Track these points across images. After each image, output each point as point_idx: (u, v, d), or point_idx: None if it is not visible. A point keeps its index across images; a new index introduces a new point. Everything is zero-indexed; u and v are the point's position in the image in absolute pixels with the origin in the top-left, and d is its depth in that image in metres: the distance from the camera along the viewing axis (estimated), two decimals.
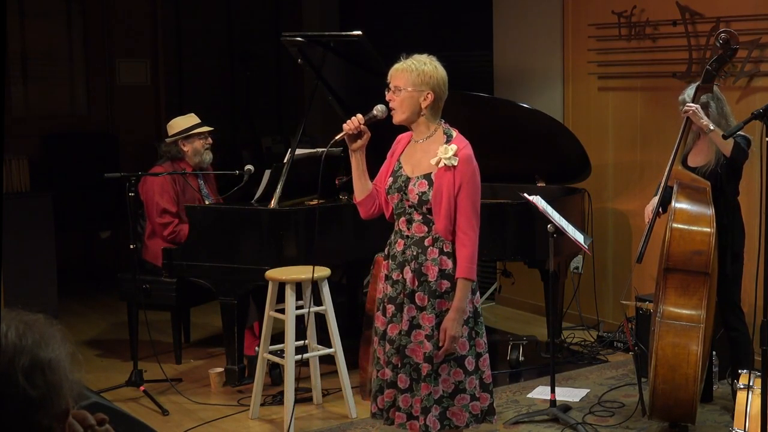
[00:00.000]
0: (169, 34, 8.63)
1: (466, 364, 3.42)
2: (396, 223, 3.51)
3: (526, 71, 6.75)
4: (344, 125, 3.45)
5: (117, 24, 8.32)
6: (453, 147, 3.36)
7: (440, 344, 3.37)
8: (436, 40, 7.65)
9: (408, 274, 3.42)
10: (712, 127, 4.37)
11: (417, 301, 3.41)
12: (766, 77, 5.30)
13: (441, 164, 3.35)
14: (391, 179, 3.49)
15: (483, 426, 4.57)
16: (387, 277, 3.52)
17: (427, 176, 3.39)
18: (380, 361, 3.53)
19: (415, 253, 3.41)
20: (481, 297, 7.27)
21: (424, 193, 3.37)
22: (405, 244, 3.45)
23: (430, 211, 3.38)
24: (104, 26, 8.28)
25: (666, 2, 5.76)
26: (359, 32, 5.13)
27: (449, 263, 3.39)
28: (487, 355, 3.50)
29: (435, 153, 3.38)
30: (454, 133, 3.44)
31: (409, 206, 3.42)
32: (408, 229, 3.44)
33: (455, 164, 3.34)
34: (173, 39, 8.67)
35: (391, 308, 3.47)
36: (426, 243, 3.40)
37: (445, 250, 3.39)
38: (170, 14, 8.63)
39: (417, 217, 3.41)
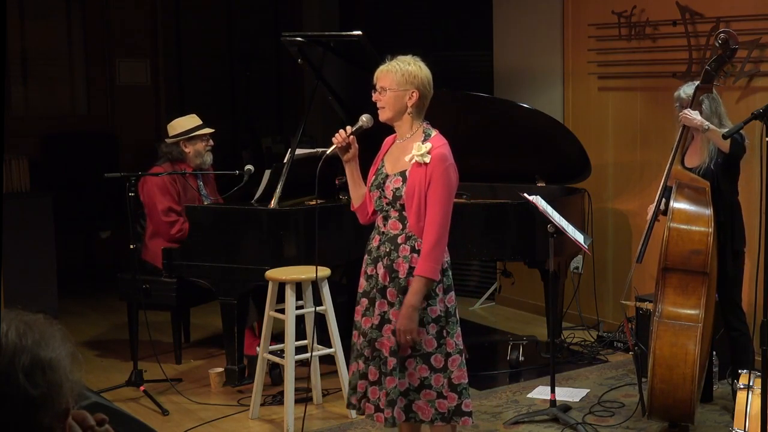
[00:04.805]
0: (169, 34, 8.63)
1: (432, 361, 3.46)
2: (376, 220, 3.61)
3: (526, 71, 6.75)
4: (333, 139, 3.57)
5: (117, 24, 8.32)
6: (427, 145, 3.44)
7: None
8: (436, 40, 7.66)
9: (381, 270, 3.50)
10: (706, 126, 4.38)
11: (388, 296, 3.48)
12: (766, 77, 5.30)
13: (413, 160, 3.44)
14: (373, 177, 3.60)
15: (483, 425, 4.59)
16: (364, 272, 3.61)
17: (402, 173, 3.48)
18: (358, 353, 3.60)
19: (388, 250, 3.49)
20: (481, 297, 7.33)
21: (398, 188, 3.46)
22: (380, 240, 3.54)
23: (404, 207, 3.46)
24: (104, 26, 8.29)
25: (666, 2, 5.76)
26: (359, 32, 5.13)
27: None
28: (458, 356, 3.51)
29: (411, 151, 3.47)
30: (433, 132, 3.52)
31: (387, 203, 3.52)
32: (384, 225, 3.53)
33: (427, 161, 3.41)
34: (173, 39, 8.67)
35: (365, 302, 3.57)
36: (399, 240, 3.48)
37: (416, 248, 3.45)
38: (170, 14, 8.64)
39: (393, 214, 3.50)
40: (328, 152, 3.61)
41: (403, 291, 3.45)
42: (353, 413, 4.68)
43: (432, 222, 3.41)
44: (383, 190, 3.51)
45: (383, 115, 3.52)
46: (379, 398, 3.50)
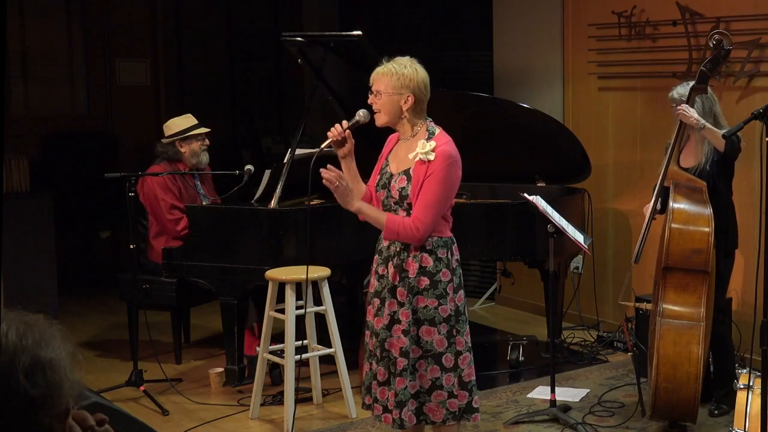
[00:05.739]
0: (169, 34, 8.63)
1: (443, 361, 3.46)
2: None
3: (526, 71, 6.75)
4: (328, 133, 3.52)
5: (117, 24, 8.33)
6: (432, 143, 3.41)
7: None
8: (436, 40, 7.65)
9: (391, 270, 3.49)
10: (702, 124, 4.38)
11: (398, 296, 3.47)
12: (766, 77, 5.30)
13: (417, 158, 3.41)
14: (378, 177, 3.59)
15: (483, 425, 4.59)
16: (375, 272, 3.59)
17: (406, 172, 3.46)
18: (371, 353, 3.60)
19: (398, 249, 3.49)
20: (481, 297, 7.32)
21: (403, 188, 3.45)
22: (390, 240, 3.51)
23: (411, 206, 3.44)
24: (104, 26, 8.29)
25: (666, 2, 5.76)
26: (359, 32, 5.13)
27: (429, 260, 3.45)
28: (468, 353, 3.53)
29: (415, 149, 3.45)
30: (437, 130, 3.49)
31: (394, 203, 3.50)
32: None
33: (431, 159, 3.39)
34: (173, 39, 8.67)
35: (377, 302, 3.56)
36: None
37: (426, 247, 3.45)
38: (170, 14, 8.64)
39: (401, 213, 3.48)
40: (323, 146, 3.58)
41: (412, 291, 3.44)
42: (353, 413, 4.68)
43: (420, 211, 3.37)
44: (389, 190, 3.49)
45: (380, 120, 3.48)
46: (387, 399, 3.48)
